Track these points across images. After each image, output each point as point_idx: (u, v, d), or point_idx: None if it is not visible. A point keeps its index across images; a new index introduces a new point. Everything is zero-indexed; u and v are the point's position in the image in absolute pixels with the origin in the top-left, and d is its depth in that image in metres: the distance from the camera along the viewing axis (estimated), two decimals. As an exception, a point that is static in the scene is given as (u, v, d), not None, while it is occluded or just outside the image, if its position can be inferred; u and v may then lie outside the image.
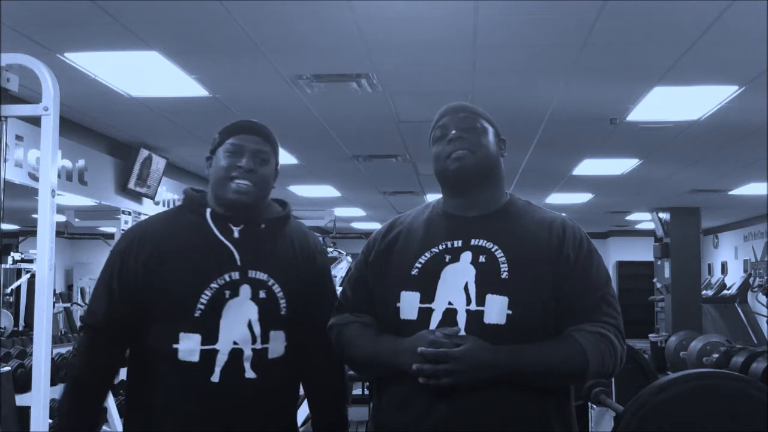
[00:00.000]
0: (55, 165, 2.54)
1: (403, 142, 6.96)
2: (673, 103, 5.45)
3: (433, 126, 1.94)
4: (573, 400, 1.89)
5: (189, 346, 1.87)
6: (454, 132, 1.87)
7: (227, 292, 1.90)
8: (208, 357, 1.87)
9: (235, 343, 1.89)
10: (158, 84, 5.01)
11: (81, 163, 6.15)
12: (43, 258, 2.43)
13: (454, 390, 1.70)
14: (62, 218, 8.23)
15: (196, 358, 1.87)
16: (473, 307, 1.76)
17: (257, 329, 1.91)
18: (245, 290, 1.92)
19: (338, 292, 2.06)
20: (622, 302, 1.94)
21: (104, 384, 1.98)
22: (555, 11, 3.71)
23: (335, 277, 9.86)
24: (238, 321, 1.90)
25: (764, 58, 4.30)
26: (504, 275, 1.77)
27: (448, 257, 1.82)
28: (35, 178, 3.73)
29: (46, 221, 2.44)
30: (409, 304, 1.81)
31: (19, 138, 5.02)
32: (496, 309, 1.75)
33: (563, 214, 1.94)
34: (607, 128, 6.18)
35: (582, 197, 10.84)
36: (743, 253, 13.63)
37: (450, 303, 1.78)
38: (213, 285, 1.90)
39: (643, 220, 13.88)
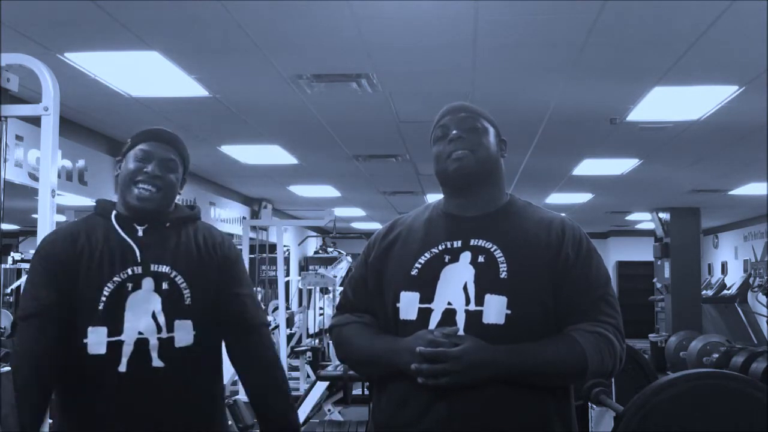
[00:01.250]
0: (55, 165, 2.54)
1: (403, 142, 6.96)
2: (673, 103, 5.45)
3: (434, 126, 1.95)
4: (573, 400, 1.89)
5: (96, 339, 1.94)
6: (454, 132, 1.87)
7: (129, 285, 1.98)
8: (114, 348, 1.94)
9: (140, 333, 1.96)
10: (158, 84, 5.01)
11: (81, 163, 6.15)
12: (43, 258, 2.42)
13: (452, 389, 1.70)
14: (62, 218, 8.23)
15: (103, 350, 1.94)
16: (472, 307, 1.76)
17: (161, 319, 1.97)
18: (148, 282, 1.99)
19: (339, 293, 2.06)
20: (622, 302, 1.94)
21: (44, 372, 1.95)
22: (555, 11, 3.71)
23: (335, 277, 9.88)
24: (143, 312, 1.97)
25: (764, 58, 4.30)
26: (503, 275, 1.77)
27: (447, 257, 1.82)
28: (35, 178, 3.72)
29: (46, 221, 2.44)
30: (408, 304, 1.81)
31: (19, 138, 5.02)
32: (495, 309, 1.75)
33: (563, 214, 1.94)
34: (607, 128, 6.18)
35: (582, 197, 10.85)
36: (743, 253, 13.64)
37: (449, 303, 1.78)
38: (115, 279, 1.98)
39: (643, 220, 13.88)
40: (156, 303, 1.98)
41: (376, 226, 12.29)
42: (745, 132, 6.32)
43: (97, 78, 4.80)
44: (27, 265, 10.66)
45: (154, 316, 1.97)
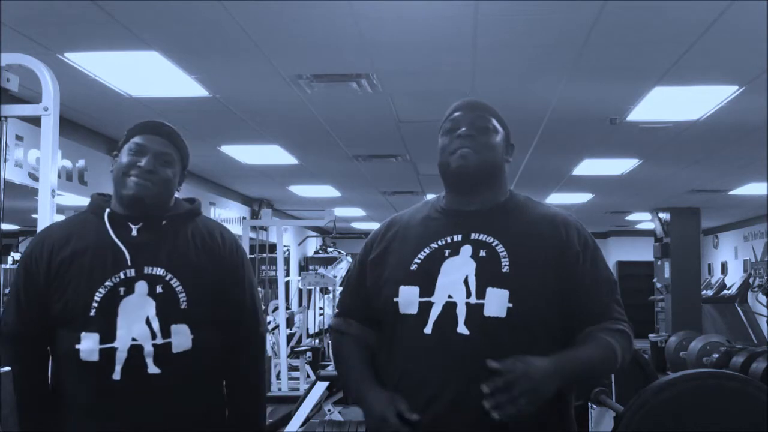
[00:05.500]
0: (55, 165, 2.55)
1: (403, 142, 6.97)
2: (673, 103, 5.45)
3: (445, 117, 1.94)
4: (573, 400, 1.89)
5: (89, 346, 1.87)
6: (464, 129, 1.87)
7: (122, 290, 1.90)
8: (107, 355, 1.87)
9: (134, 339, 1.88)
10: (158, 84, 5.01)
11: (81, 163, 6.15)
12: (43, 258, 2.42)
13: (451, 385, 1.72)
14: (62, 218, 8.21)
15: (96, 357, 1.87)
16: (473, 300, 1.76)
17: (155, 324, 1.90)
18: (141, 286, 1.91)
19: (339, 293, 2.07)
20: (623, 302, 1.96)
21: (40, 391, 1.97)
22: (555, 11, 3.71)
23: (335, 277, 9.88)
24: (136, 317, 1.89)
25: (764, 58, 4.30)
26: (505, 269, 1.78)
27: (447, 251, 1.83)
28: (35, 178, 3.72)
29: (46, 221, 2.44)
30: (408, 298, 1.81)
31: (19, 138, 5.02)
32: (497, 302, 1.75)
33: (562, 210, 1.94)
34: (607, 128, 6.18)
35: (582, 197, 10.85)
36: (743, 253, 13.63)
37: (450, 296, 1.78)
38: (107, 283, 1.90)
39: (643, 220, 13.88)
40: (150, 308, 1.90)
41: (376, 226, 12.29)
42: (745, 132, 6.32)
43: (97, 78, 4.79)
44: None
45: (148, 322, 1.89)
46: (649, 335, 11.65)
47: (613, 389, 3.58)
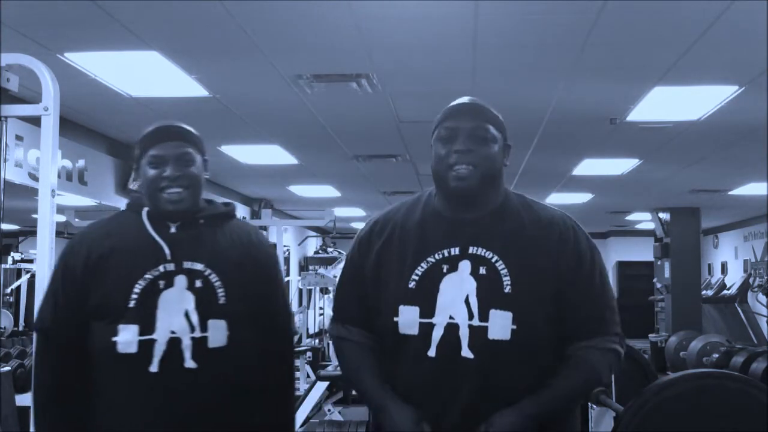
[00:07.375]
0: (55, 165, 2.55)
1: (403, 142, 6.97)
2: (673, 103, 5.45)
3: (439, 122, 1.86)
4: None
5: (127, 338, 1.88)
6: (461, 146, 1.79)
7: (161, 283, 1.92)
8: (146, 347, 1.88)
9: (172, 332, 1.90)
10: (158, 84, 5.01)
11: (81, 163, 6.15)
12: (43, 258, 2.43)
13: (456, 408, 1.73)
14: (62, 218, 8.22)
15: (134, 349, 1.88)
16: (476, 322, 1.73)
17: (194, 318, 1.92)
18: (181, 280, 1.94)
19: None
20: (623, 302, 1.95)
21: (70, 387, 1.97)
22: (555, 11, 3.71)
23: (335, 277, 9.87)
24: (175, 310, 1.91)
25: (764, 58, 4.30)
26: (507, 289, 1.74)
27: (445, 267, 1.77)
28: (35, 178, 3.73)
29: (46, 221, 2.44)
30: (408, 318, 1.77)
31: (19, 138, 5.02)
32: (500, 324, 1.72)
33: (560, 212, 1.88)
34: (607, 128, 6.18)
35: (582, 197, 10.84)
36: (743, 253, 13.62)
37: (451, 317, 1.74)
38: (147, 276, 1.92)
39: (643, 220, 13.88)
40: (189, 301, 1.92)
41: (376, 226, 12.23)
42: (745, 132, 6.32)
43: (97, 78, 4.79)
44: (27, 265, 10.63)
45: (187, 315, 1.91)
46: (649, 335, 11.66)
47: (613, 389, 3.58)
